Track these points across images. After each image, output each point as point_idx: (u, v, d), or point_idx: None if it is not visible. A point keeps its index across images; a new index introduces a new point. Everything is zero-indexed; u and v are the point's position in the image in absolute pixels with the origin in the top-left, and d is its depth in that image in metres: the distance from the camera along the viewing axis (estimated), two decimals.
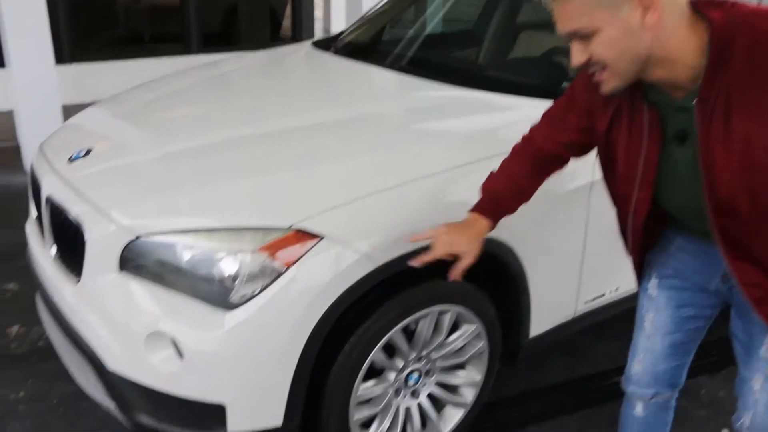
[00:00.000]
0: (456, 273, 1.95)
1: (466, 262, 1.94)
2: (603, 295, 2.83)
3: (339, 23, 9.96)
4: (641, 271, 2.01)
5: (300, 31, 7.89)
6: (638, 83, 1.59)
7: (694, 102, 1.51)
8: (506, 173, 1.99)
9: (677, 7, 1.47)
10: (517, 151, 2.00)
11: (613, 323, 2.98)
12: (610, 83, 1.56)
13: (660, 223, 1.86)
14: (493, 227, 2.00)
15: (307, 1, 7.91)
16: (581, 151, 1.91)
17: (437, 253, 1.95)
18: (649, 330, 2.01)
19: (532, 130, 1.99)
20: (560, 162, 1.98)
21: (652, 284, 1.99)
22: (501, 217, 2.01)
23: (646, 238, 1.86)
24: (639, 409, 2.12)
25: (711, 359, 3.16)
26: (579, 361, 3.25)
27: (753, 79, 1.43)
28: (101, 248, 2.15)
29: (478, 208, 1.99)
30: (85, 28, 6.56)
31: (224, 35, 7.69)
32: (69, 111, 3.53)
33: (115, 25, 7.29)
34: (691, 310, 1.95)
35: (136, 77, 3.73)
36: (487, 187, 2.00)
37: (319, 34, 8.95)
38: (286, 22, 8.09)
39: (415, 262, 2.00)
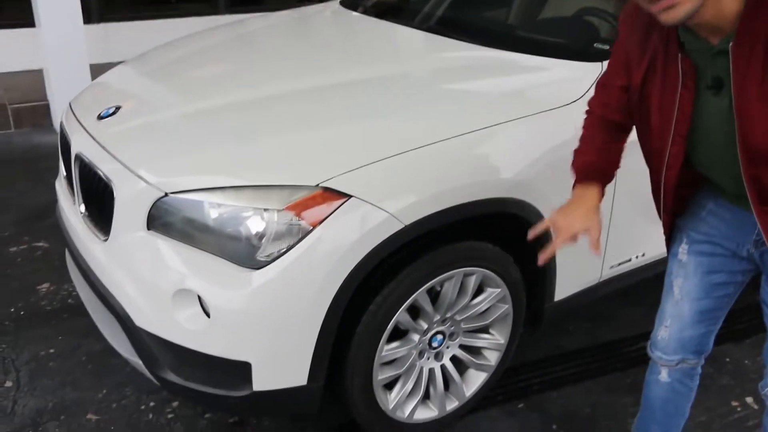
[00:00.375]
0: (593, 248, 1.86)
1: (594, 236, 1.86)
2: (629, 260, 2.80)
3: None
4: (671, 236, 1.98)
5: None
6: (672, 31, 1.56)
7: (730, 44, 1.47)
8: (589, 145, 1.93)
9: None
10: (586, 127, 1.97)
11: (639, 289, 2.96)
12: (678, 11, 1.45)
13: (691, 186, 1.83)
14: (602, 192, 1.93)
15: None
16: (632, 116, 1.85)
17: (560, 241, 1.88)
18: (677, 296, 1.99)
19: (589, 102, 1.96)
20: (625, 128, 1.92)
21: (682, 249, 1.96)
22: (606, 179, 1.94)
23: (677, 202, 1.84)
24: (664, 374, 2.10)
25: (738, 327, 3.14)
26: (603, 326, 3.23)
27: None
28: (129, 206, 2.16)
29: (579, 181, 1.93)
30: None
31: None
32: (97, 70, 3.53)
33: None
34: (722, 276, 1.92)
35: (163, 37, 3.72)
36: (578, 165, 1.94)
37: None
38: None
39: (541, 259, 1.93)
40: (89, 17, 6.09)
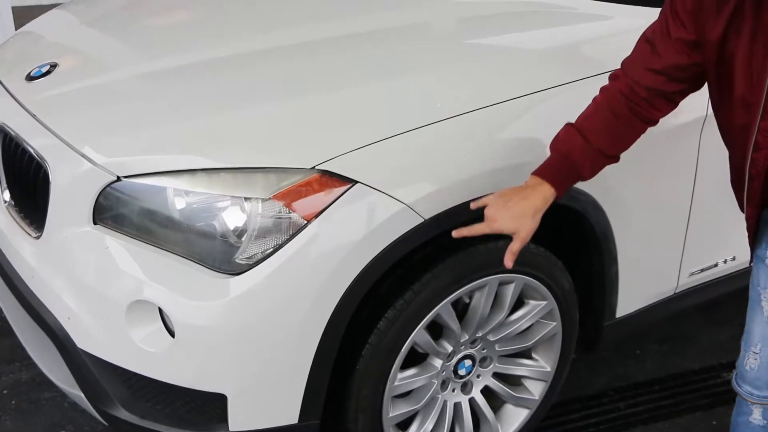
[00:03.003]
0: (507, 259, 2.01)
1: (516, 245, 1.99)
2: (715, 265, 2.84)
3: None
4: (756, 235, 2.01)
5: None
6: None
7: None
8: (586, 125, 2.00)
9: None
10: (603, 94, 2.01)
11: (727, 304, 2.98)
12: None
13: None
14: (560, 195, 2.03)
15: None
16: (690, 81, 1.89)
17: (478, 230, 2.02)
18: None
19: (623, 63, 1.99)
20: (661, 103, 1.96)
21: None
22: (572, 183, 2.04)
23: (765, 190, 1.87)
24: (756, 415, 2.12)
25: None
26: (680, 351, 3.27)
27: None
28: (70, 193, 2.19)
29: (541, 171, 2.02)
30: None
31: None
32: (21, 15, 3.54)
33: None
34: None
35: None
36: (559, 148, 2.02)
37: None
38: None
39: (456, 233, 2.06)
40: None
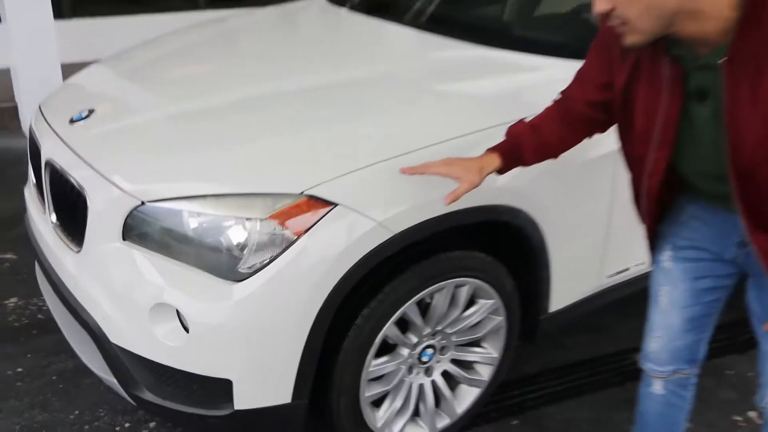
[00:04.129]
0: (451, 197, 1.91)
1: (462, 188, 1.91)
2: (627, 269, 2.81)
3: None
4: (654, 244, 2.01)
5: None
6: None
7: (720, 60, 1.49)
8: (534, 125, 1.98)
9: None
10: (553, 106, 1.99)
11: (638, 300, 2.96)
12: (631, 38, 1.54)
13: (672, 190, 1.84)
14: (502, 168, 1.97)
15: None
16: (610, 113, 1.85)
17: (430, 168, 1.96)
18: (664, 305, 2.02)
19: (564, 91, 1.97)
20: (592, 125, 1.94)
21: (666, 256, 1.99)
22: (515, 164, 1.99)
23: (658, 206, 1.86)
24: (657, 386, 2.12)
25: (741, 338, 3.16)
26: (601, 339, 3.25)
27: None
28: (104, 215, 2.16)
29: (494, 147, 1.98)
30: None
31: None
32: (69, 70, 3.52)
33: None
34: (709, 281, 1.95)
35: (141, 34, 3.71)
36: (511, 131, 2.00)
37: None
38: None
39: (406, 170, 2.00)
40: (60, 12, 6.06)
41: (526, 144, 1.96)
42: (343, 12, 3.40)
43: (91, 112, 2.49)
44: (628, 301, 2.88)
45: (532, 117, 2.01)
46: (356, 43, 3.12)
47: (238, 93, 2.50)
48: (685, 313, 1.99)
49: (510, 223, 2.31)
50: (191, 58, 3.06)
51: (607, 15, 1.52)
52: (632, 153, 1.81)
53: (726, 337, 3.10)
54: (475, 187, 1.92)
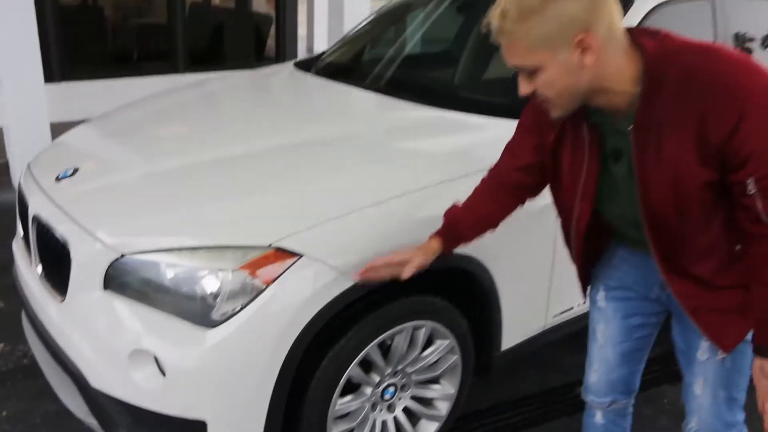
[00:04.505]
0: (407, 271, 1.93)
1: (412, 264, 1.93)
2: (571, 308, 2.84)
3: (322, 42, 9.96)
4: (588, 284, 2.06)
5: (284, 49, 7.89)
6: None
7: (629, 127, 1.56)
8: (469, 203, 2.00)
9: (614, 40, 1.50)
10: (483, 183, 2.01)
11: (583, 336, 2.98)
12: (554, 112, 1.62)
13: (601, 236, 1.90)
14: (446, 250, 1.99)
15: (291, 20, 7.91)
16: (539, 175, 1.90)
17: (382, 260, 1.97)
18: (600, 340, 2.06)
19: (494, 166, 2.00)
20: (524, 191, 1.97)
21: (601, 296, 2.03)
22: (456, 242, 2.01)
23: (590, 252, 1.92)
24: (599, 417, 2.15)
25: (674, 368, 3.16)
26: (550, 372, 3.25)
27: (681, 110, 1.49)
28: (86, 267, 2.13)
29: (436, 232, 2.00)
30: (75, 47, 6.53)
31: (211, 54, 7.68)
32: (58, 129, 3.50)
33: (104, 43, 7.26)
34: (638, 318, 1.99)
35: (125, 95, 3.71)
36: (447, 214, 2.01)
37: (302, 52, 8.95)
38: (271, 41, 8.09)
39: (360, 275, 2.00)
40: (50, 76, 6.04)
41: (463, 223, 1.98)
42: (309, 77, 3.43)
43: (75, 170, 2.48)
44: (573, 337, 2.90)
45: (489, 168, 2.03)
46: (320, 105, 3.15)
47: (211, 153, 2.50)
48: (618, 349, 2.03)
49: (463, 269, 2.32)
50: (170, 120, 3.06)
51: (532, 94, 1.59)
52: (561, 204, 1.86)
53: (660, 368, 3.13)
54: (425, 265, 1.96)
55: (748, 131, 1.43)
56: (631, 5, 2.88)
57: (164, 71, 6.84)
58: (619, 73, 1.52)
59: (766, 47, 3.41)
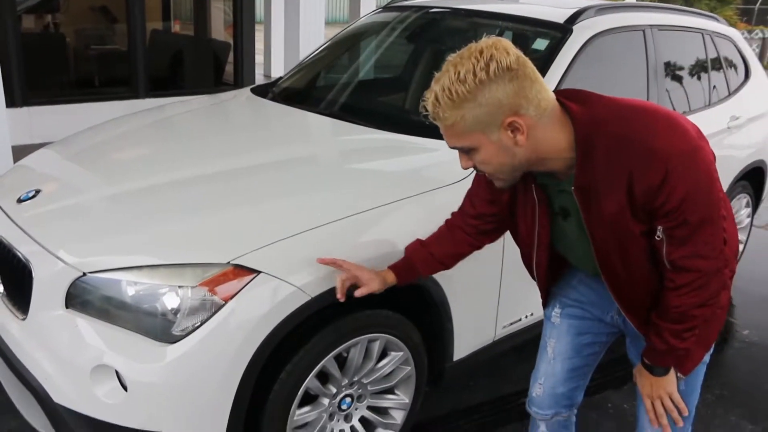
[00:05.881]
0: (360, 291, 2.02)
1: (367, 287, 2.01)
2: (519, 320, 2.88)
3: (278, 68, 9.99)
4: (547, 300, 2.10)
5: (242, 75, 7.89)
6: None
7: (572, 188, 1.63)
8: (429, 242, 2.07)
9: (545, 114, 1.55)
10: (447, 223, 2.08)
11: (532, 345, 3.02)
12: (498, 184, 1.70)
13: (563, 265, 1.99)
14: (400, 283, 2.07)
15: (249, 47, 7.91)
16: (497, 223, 1.97)
17: (344, 263, 2.03)
18: (550, 355, 2.08)
19: (456, 212, 2.07)
20: (482, 235, 2.03)
21: (555, 313, 2.07)
22: (411, 277, 2.08)
23: (552, 277, 1.99)
24: (543, 428, 2.17)
25: (617, 374, 3.25)
26: (501, 380, 3.28)
27: (612, 173, 1.56)
28: (48, 286, 2.11)
29: (392, 265, 2.07)
30: (37, 73, 6.45)
31: (171, 79, 7.64)
32: (19, 152, 3.44)
33: (66, 69, 7.18)
34: (589, 337, 2.03)
35: (86, 119, 3.68)
36: (407, 249, 2.09)
37: (260, 78, 8.95)
38: (229, 67, 8.08)
39: (324, 260, 2.06)
40: (12, 101, 5.96)
41: (419, 261, 2.06)
42: (265, 102, 3.43)
43: (37, 192, 2.45)
44: (523, 346, 2.94)
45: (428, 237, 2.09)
46: (276, 129, 3.15)
47: (170, 175, 2.49)
48: (567, 364, 2.06)
49: (416, 284, 2.33)
50: (129, 144, 3.04)
51: (474, 168, 1.65)
52: (522, 248, 1.95)
53: (603, 375, 3.18)
54: (375, 292, 2.03)
55: (669, 189, 1.51)
56: (570, 35, 2.96)
57: (125, 96, 6.79)
58: (554, 144, 1.58)
59: None
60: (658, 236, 1.58)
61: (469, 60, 1.50)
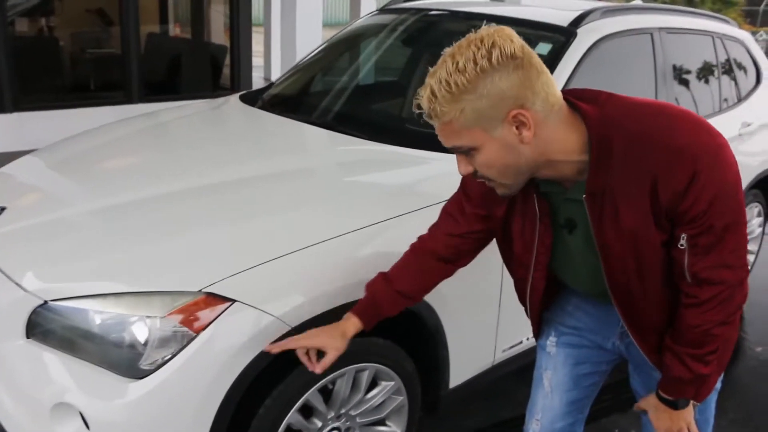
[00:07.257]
0: (320, 366, 1.78)
1: (329, 356, 1.77)
2: (521, 342, 2.72)
3: (278, 71, 9.85)
4: (539, 328, 1.93)
5: (239, 79, 7.72)
6: None
7: (583, 196, 1.47)
8: (392, 275, 1.84)
9: (553, 111, 1.39)
10: (412, 249, 1.85)
11: (532, 367, 2.87)
12: (500, 191, 1.51)
13: (557, 289, 1.81)
14: (366, 328, 1.83)
15: (246, 50, 7.75)
16: (480, 241, 1.79)
17: (294, 344, 1.79)
18: (547, 388, 1.92)
19: (431, 228, 1.85)
20: (459, 257, 1.83)
21: (551, 342, 1.91)
22: (376, 319, 1.84)
23: (545, 302, 1.81)
24: None
25: (623, 397, 3.07)
26: (500, 404, 3.11)
27: (632, 177, 1.41)
28: (7, 313, 1.95)
29: (354, 308, 1.84)
30: (29, 78, 6.30)
31: (166, 84, 7.50)
32: (9, 159, 3.28)
33: (59, 73, 7.04)
34: (588, 366, 1.88)
35: (78, 124, 3.53)
36: (367, 287, 1.86)
37: (259, 81, 8.79)
38: (227, 71, 7.92)
39: (272, 347, 1.82)
40: (3, 106, 5.83)
41: (385, 303, 1.83)
42: (254, 110, 3.25)
43: (2, 209, 2.29)
44: (523, 369, 2.77)
45: (390, 268, 1.87)
46: (261, 141, 2.98)
47: (146, 191, 2.31)
48: (566, 397, 1.90)
49: (408, 309, 2.14)
50: (111, 154, 2.88)
51: (473, 175, 1.48)
52: (514, 271, 1.77)
53: (610, 397, 3.02)
54: (341, 353, 1.79)
55: (698, 191, 1.37)
56: (574, 39, 2.80)
57: (118, 101, 6.64)
58: (563, 144, 1.42)
59: None
60: (681, 245, 1.43)
61: (468, 49, 1.34)
